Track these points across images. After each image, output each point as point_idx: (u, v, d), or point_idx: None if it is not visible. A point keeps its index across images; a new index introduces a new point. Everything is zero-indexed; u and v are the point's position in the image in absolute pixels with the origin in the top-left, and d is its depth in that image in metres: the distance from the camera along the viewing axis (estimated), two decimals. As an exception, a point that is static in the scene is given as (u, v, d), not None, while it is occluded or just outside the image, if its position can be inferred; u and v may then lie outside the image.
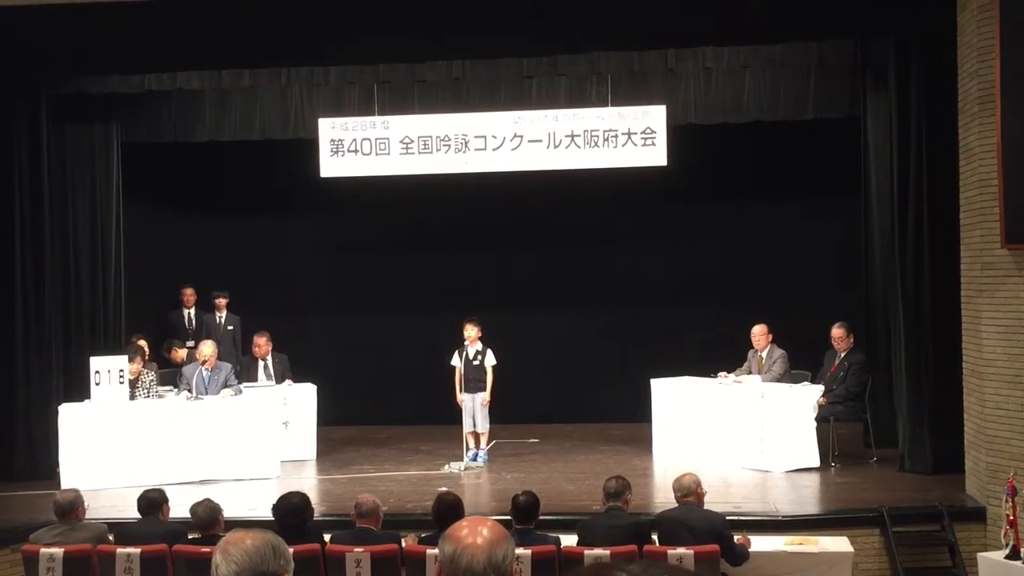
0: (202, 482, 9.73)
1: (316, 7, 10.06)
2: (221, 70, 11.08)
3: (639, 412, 11.45)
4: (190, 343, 12.27)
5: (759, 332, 10.77)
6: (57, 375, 10.92)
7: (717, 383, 10.76)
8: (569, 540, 6.82)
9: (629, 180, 11.91)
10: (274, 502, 6.98)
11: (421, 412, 12.53)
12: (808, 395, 10.14)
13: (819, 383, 10.38)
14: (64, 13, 10.10)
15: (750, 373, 10.74)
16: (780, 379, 10.51)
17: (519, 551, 6.03)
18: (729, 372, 10.82)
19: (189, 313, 13.03)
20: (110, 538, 7.05)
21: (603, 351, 13.27)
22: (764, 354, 10.72)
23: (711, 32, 10.10)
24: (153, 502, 7.15)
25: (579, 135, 11.60)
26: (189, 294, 13.01)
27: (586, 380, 13.10)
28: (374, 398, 13.25)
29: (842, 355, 10.55)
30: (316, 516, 7.44)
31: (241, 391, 10.68)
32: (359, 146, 11.83)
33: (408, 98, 11.93)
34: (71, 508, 7.07)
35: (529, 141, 11.66)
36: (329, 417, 11.72)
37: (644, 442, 11.24)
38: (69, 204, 11.56)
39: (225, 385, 10.58)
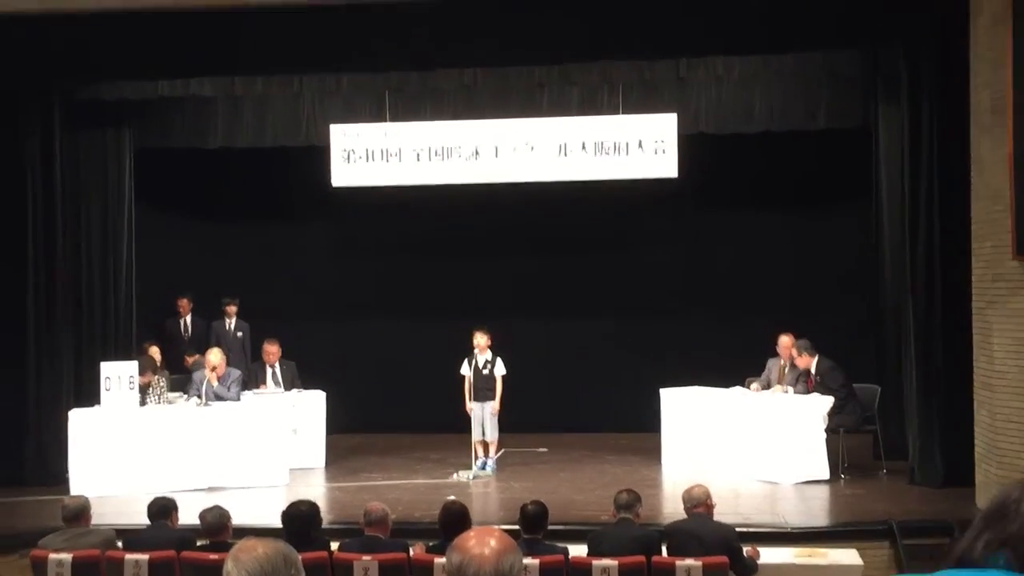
0: (210, 489, 9.72)
1: (328, 15, 10.09)
2: (234, 77, 11.12)
3: (648, 422, 11.43)
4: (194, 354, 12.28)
5: (788, 343, 10.68)
6: (68, 380, 10.95)
7: (744, 392, 10.71)
8: (577, 550, 6.80)
9: (639, 189, 11.91)
10: (283, 510, 6.98)
11: (430, 420, 12.51)
12: (818, 406, 10.11)
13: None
14: (79, 20, 10.16)
15: (769, 385, 10.68)
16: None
17: (527, 561, 6.02)
18: (752, 383, 10.78)
19: (185, 321, 13.07)
20: (118, 544, 7.05)
21: (612, 360, 13.25)
22: (789, 366, 10.63)
23: (722, 42, 10.10)
24: (163, 509, 7.16)
25: (590, 144, 11.60)
26: (184, 304, 13.06)
27: (595, 389, 13.08)
28: (383, 406, 13.25)
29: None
30: (324, 524, 7.43)
31: (238, 399, 10.68)
32: (370, 154, 11.85)
33: (420, 106, 11.95)
34: (79, 514, 7.08)
35: (540, 150, 11.66)
36: (338, 425, 11.74)
37: (653, 452, 11.21)
38: (81, 209, 11.60)
39: (228, 389, 10.59)
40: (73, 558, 6.62)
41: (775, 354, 10.83)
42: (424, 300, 13.54)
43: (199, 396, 10.49)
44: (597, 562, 6.40)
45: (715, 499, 7.17)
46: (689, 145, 11.63)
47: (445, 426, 11.86)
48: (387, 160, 11.85)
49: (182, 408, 10.49)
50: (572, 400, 13.17)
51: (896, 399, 10.56)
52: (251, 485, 9.96)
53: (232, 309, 12.76)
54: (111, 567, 6.65)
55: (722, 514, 7.48)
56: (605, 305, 13.35)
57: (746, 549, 6.95)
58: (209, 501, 7.57)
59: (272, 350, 11.71)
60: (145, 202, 12.33)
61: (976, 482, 8.98)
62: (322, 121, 12.06)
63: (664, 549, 6.88)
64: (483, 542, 2.48)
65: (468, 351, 11.00)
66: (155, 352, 11.37)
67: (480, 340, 10.92)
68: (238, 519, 7.24)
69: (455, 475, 10.64)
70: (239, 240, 13.79)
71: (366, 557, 6.48)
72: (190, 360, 12.06)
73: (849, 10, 9.73)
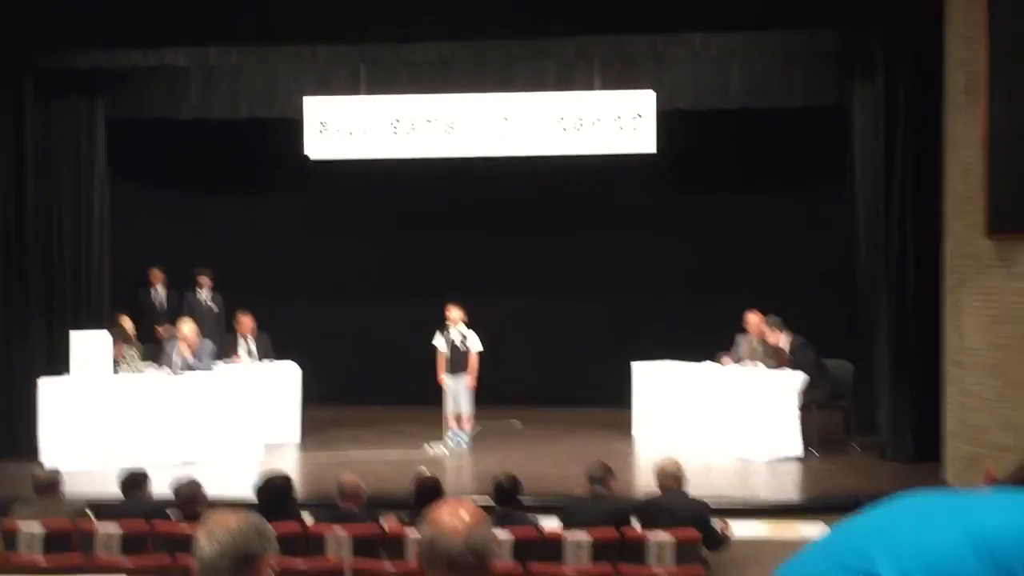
0: (184, 463, 9.68)
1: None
2: (208, 47, 11.00)
3: (624, 397, 11.47)
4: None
5: (756, 320, 10.74)
6: (39, 352, 10.88)
7: (715, 367, 10.78)
8: (550, 523, 6.84)
9: (616, 165, 11.88)
10: (256, 482, 6.97)
11: (405, 393, 12.51)
12: (791, 383, 10.18)
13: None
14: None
15: (740, 361, 10.74)
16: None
17: (499, 533, 6.04)
18: (724, 357, 10.85)
19: (156, 291, 12.92)
20: (89, 515, 7.02)
21: (588, 336, 13.28)
22: (758, 342, 10.70)
23: (700, 17, 10.09)
24: (135, 480, 7.14)
25: (566, 119, 11.54)
26: (155, 273, 12.90)
27: (571, 365, 13.11)
28: (358, 379, 13.22)
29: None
30: (298, 496, 7.44)
31: (210, 370, 10.64)
32: (345, 126, 11.75)
33: (394, 78, 11.85)
34: (50, 484, 7.05)
35: (516, 124, 11.59)
36: (313, 398, 11.71)
37: (627, 427, 11.27)
38: (52, 179, 11.47)
39: (199, 360, 10.55)
40: (45, 529, 6.59)
41: (744, 331, 10.90)
42: (398, 273, 13.52)
43: (170, 367, 10.44)
44: (569, 535, 6.43)
45: (688, 474, 7.21)
46: (667, 121, 11.59)
47: (420, 399, 11.86)
48: (363, 133, 11.75)
49: (154, 378, 10.42)
50: (547, 375, 13.18)
51: (869, 376, 10.64)
52: (224, 457, 9.93)
53: (205, 279, 12.61)
54: (83, 538, 6.63)
55: (694, 489, 7.52)
56: (581, 280, 13.36)
57: (718, 524, 7.00)
58: (182, 473, 7.55)
59: (245, 321, 11.65)
60: (118, 173, 12.20)
61: (946, 458, 9.06)
62: (296, 92, 11.92)
63: (636, 523, 6.92)
64: (455, 515, 2.49)
65: (442, 324, 11.00)
66: (127, 322, 11.29)
67: (453, 314, 10.92)
68: (211, 491, 7.23)
69: (428, 448, 10.66)
70: (213, 212, 13.69)
71: (339, 529, 6.49)
72: (162, 331, 11.99)
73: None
